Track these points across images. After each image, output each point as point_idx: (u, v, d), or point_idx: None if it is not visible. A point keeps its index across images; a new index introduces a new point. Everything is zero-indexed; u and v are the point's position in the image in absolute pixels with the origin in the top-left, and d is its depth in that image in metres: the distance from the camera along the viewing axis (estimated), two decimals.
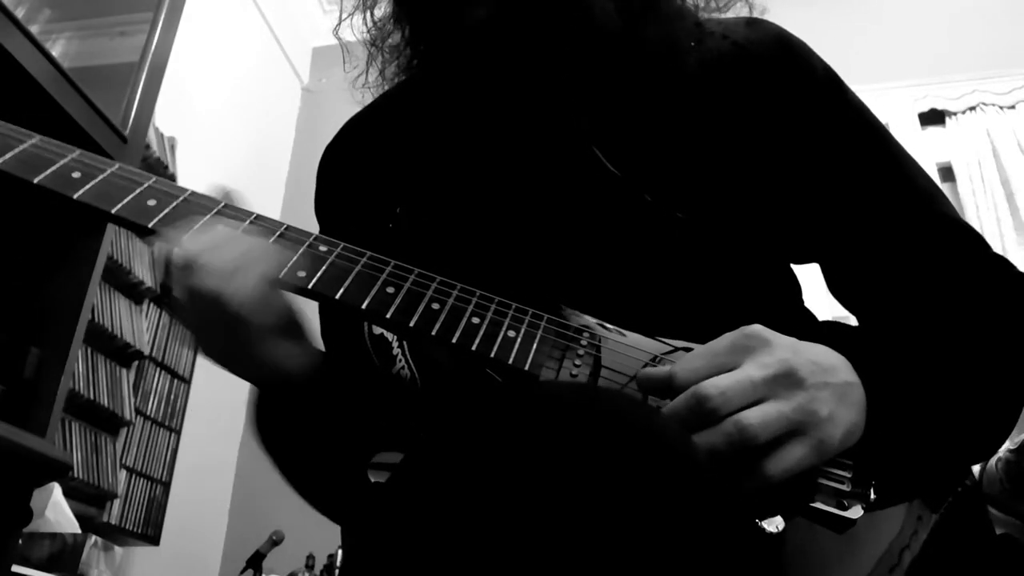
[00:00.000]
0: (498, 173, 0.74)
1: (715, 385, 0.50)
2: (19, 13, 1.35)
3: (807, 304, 0.78)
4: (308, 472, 0.74)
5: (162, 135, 2.35)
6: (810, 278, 0.80)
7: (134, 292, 2.18)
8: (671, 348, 0.61)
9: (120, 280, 2.11)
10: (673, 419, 0.50)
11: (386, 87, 0.85)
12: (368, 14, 0.82)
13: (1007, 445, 1.36)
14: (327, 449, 0.71)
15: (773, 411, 0.49)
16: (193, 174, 2.41)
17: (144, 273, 2.18)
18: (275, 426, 0.72)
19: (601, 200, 0.69)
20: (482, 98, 0.76)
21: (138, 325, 2.17)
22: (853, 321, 0.76)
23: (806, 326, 0.73)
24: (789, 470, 0.49)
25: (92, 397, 1.95)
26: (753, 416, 0.49)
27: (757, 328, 0.53)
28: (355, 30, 0.83)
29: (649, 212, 0.67)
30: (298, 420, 0.69)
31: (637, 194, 0.68)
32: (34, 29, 1.40)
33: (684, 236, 0.67)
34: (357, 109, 0.90)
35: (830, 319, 0.77)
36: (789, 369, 0.51)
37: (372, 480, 0.59)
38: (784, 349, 0.52)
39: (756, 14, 0.79)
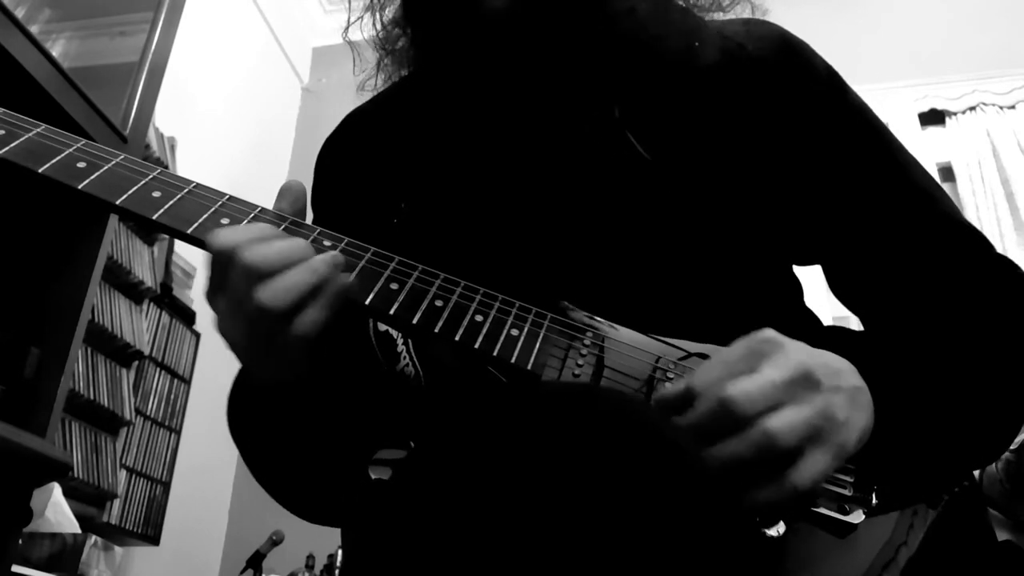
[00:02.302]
0: (506, 169, 0.74)
1: (741, 389, 0.48)
2: (19, 13, 1.35)
3: (808, 305, 0.78)
4: (293, 472, 0.73)
5: (162, 135, 2.34)
6: (810, 279, 0.80)
7: (134, 292, 2.18)
8: (677, 350, 0.61)
9: (120, 280, 2.11)
10: (695, 428, 0.49)
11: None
12: (378, 16, 0.81)
13: None
14: (323, 447, 0.71)
15: (799, 416, 0.48)
16: (193, 174, 2.40)
17: (144, 273, 2.18)
18: (253, 422, 0.70)
19: (609, 198, 0.69)
20: (497, 91, 0.75)
21: (138, 325, 2.17)
22: (853, 322, 0.76)
23: (809, 327, 0.73)
24: (816, 478, 0.48)
25: (92, 397, 1.95)
26: (780, 422, 0.48)
27: (770, 332, 0.53)
28: (363, 30, 0.83)
29: (672, 207, 0.67)
30: (283, 419, 0.67)
31: (665, 186, 0.67)
32: (34, 29, 1.40)
33: (691, 235, 0.67)
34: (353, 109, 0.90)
35: (832, 323, 0.77)
36: (807, 372, 0.50)
37: (373, 477, 0.59)
38: (799, 352, 0.52)
39: (758, 15, 0.79)
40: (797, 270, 0.79)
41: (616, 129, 0.70)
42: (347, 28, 0.83)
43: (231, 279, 0.55)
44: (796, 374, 0.50)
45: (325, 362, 0.64)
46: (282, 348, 0.56)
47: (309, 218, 0.86)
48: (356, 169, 0.83)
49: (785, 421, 0.48)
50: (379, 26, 0.82)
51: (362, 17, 0.82)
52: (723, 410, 0.48)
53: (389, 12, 0.81)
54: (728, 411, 0.48)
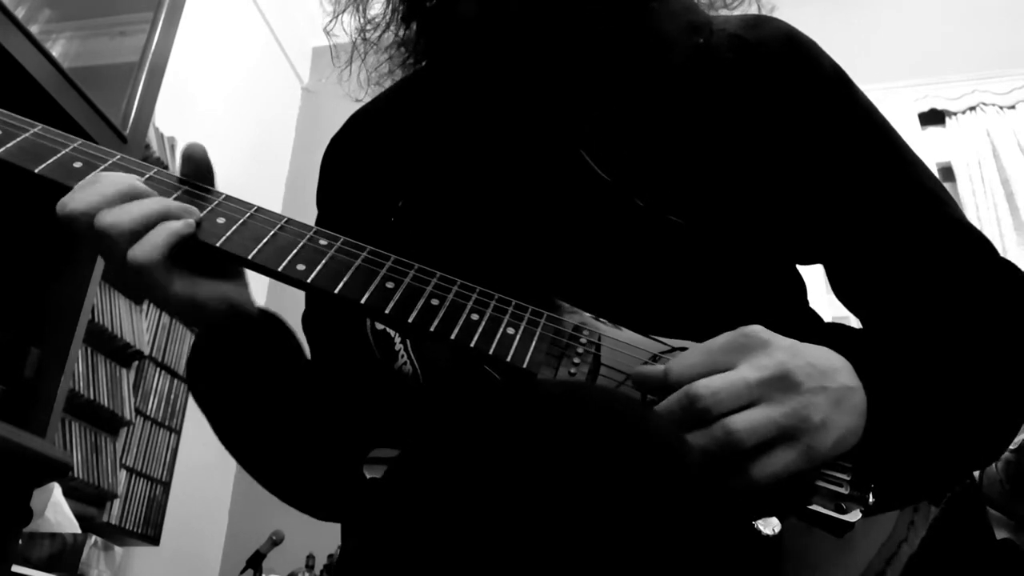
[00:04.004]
0: (495, 171, 0.74)
1: (707, 385, 0.49)
2: (19, 13, 1.35)
3: (811, 305, 0.77)
4: (276, 459, 0.73)
5: (162, 135, 2.35)
6: (809, 279, 0.80)
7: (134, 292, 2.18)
8: (670, 348, 0.61)
9: None
10: (666, 417, 0.50)
11: (386, 83, 0.85)
12: (360, 10, 0.82)
13: None
14: (319, 444, 0.71)
15: (762, 416, 0.49)
16: None
17: None
18: (214, 386, 0.70)
19: (592, 204, 0.69)
20: (477, 94, 0.76)
21: (138, 325, 2.17)
22: (852, 323, 0.76)
23: (810, 327, 0.73)
24: (775, 475, 0.49)
25: (92, 397, 1.95)
26: (741, 421, 0.48)
27: (756, 328, 0.53)
28: (347, 29, 0.84)
29: (641, 217, 0.67)
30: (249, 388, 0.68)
31: (627, 199, 0.68)
32: (34, 29, 1.40)
33: (679, 239, 0.67)
34: (357, 108, 0.90)
35: (832, 321, 0.77)
36: (785, 372, 0.50)
37: (368, 475, 0.59)
38: (782, 351, 0.52)
39: (764, 12, 0.79)
40: (801, 270, 0.79)
41: (576, 142, 0.70)
42: (331, 22, 0.83)
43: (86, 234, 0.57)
44: (772, 374, 0.50)
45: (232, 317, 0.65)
46: (149, 283, 0.58)
47: (312, 210, 0.87)
48: (359, 168, 0.83)
49: (747, 421, 0.49)
50: (362, 20, 0.82)
51: (344, 11, 0.83)
52: (690, 404, 0.49)
53: (372, 8, 0.82)
54: (694, 406, 0.49)
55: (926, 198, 0.70)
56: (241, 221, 0.61)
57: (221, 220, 0.61)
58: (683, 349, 0.60)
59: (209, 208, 0.62)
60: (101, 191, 0.58)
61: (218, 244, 0.60)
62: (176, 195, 0.62)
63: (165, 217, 0.58)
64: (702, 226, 0.67)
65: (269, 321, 0.70)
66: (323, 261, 0.60)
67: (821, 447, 0.50)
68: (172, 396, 2.35)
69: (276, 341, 0.70)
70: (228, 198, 0.63)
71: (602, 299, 0.65)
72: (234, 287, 0.65)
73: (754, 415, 0.49)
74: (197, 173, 0.64)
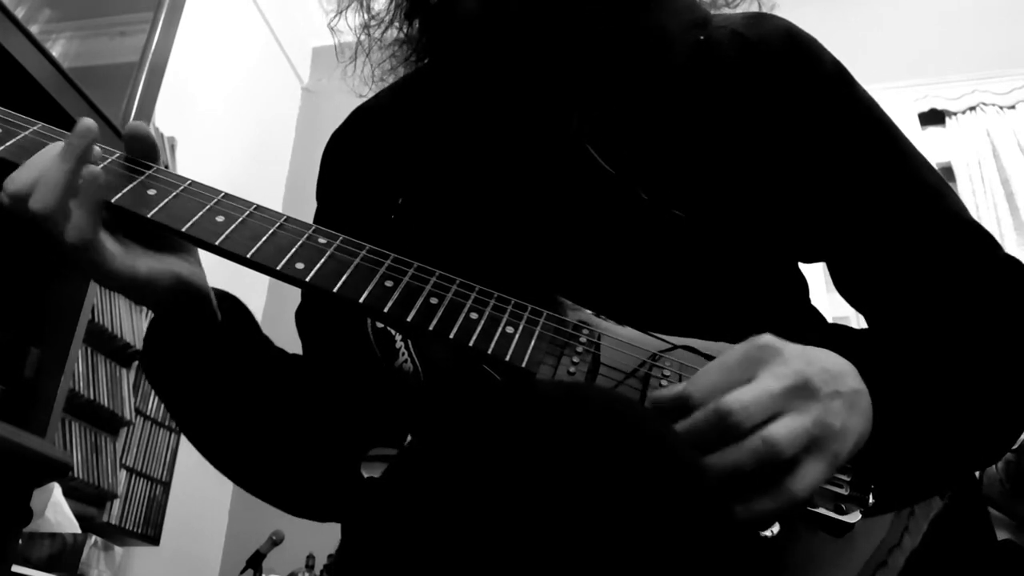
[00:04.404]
0: (497, 167, 0.74)
1: (737, 400, 0.48)
2: (19, 13, 1.35)
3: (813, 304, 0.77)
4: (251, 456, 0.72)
5: (162, 135, 2.34)
6: (810, 279, 0.80)
7: None
8: (670, 345, 0.61)
9: None
10: (692, 436, 0.49)
11: (389, 79, 0.85)
12: (364, 6, 0.82)
13: None
14: (316, 442, 0.71)
15: (797, 425, 0.48)
16: (193, 174, 2.40)
17: None
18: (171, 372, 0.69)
19: (596, 198, 0.69)
20: (479, 92, 0.76)
21: (138, 325, 2.17)
22: (853, 323, 0.76)
23: (812, 326, 0.73)
24: (813, 485, 0.48)
25: (92, 397, 1.95)
26: (779, 430, 0.48)
27: (768, 338, 0.53)
28: (350, 25, 0.84)
29: (645, 210, 0.67)
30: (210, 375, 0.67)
31: (632, 192, 0.68)
32: (34, 29, 1.40)
33: (682, 234, 0.67)
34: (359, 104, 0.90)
35: (834, 322, 0.77)
36: (804, 380, 0.50)
37: (365, 475, 0.59)
38: (797, 359, 0.51)
39: (764, 10, 0.79)
40: (803, 269, 0.79)
41: (581, 136, 0.70)
42: (336, 17, 0.83)
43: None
44: (794, 383, 0.50)
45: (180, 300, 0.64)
46: (92, 263, 0.57)
47: (311, 210, 0.87)
48: (360, 164, 0.84)
49: (784, 430, 0.48)
50: (366, 16, 0.82)
51: (349, 5, 0.83)
52: (720, 420, 0.48)
53: (377, 3, 0.82)
54: (725, 422, 0.48)
55: (928, 193, 0.70)
56: (240, 219, 0.61)
57: (220, 218, 0.61)
58: (684, 347, 0.60)
59: (208, 207, 0.62)
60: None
61: (217, 242, 0.60)
62: (109, 164, 0.62)
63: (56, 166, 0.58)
64: (704, 220, 0.67)
65: (227, 302, 0.69)
66: (322, 260, 0.60)
67: (843, 453, 0.50)
68: None
69: (237, 322, 0.69)
70: (227, 196, 0.63)
71: (604, 294, 0.65)
72: (182, 262, 0.64)
73: (788, 424, 0.48)
74: (144, 152, 0.64)
